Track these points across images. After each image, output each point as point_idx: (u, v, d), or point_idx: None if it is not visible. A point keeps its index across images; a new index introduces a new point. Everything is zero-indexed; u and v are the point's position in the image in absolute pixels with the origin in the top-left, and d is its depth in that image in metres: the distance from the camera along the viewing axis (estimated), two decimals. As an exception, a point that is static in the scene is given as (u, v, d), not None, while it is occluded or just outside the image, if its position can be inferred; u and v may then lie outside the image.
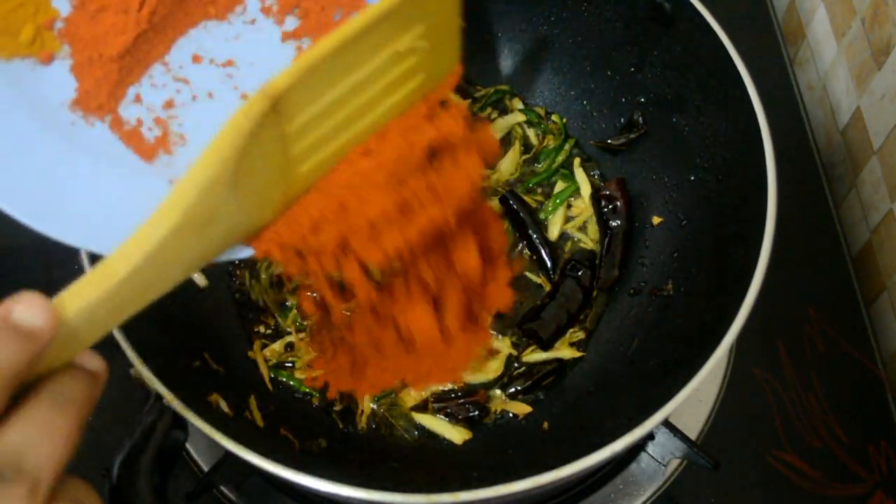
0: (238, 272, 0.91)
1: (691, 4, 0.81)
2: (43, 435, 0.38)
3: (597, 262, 0.91)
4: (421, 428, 0.83)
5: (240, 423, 0.74)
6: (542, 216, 0.94)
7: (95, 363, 0.43)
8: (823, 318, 0.95)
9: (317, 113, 0.55)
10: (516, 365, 0.86)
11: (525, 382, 0.85)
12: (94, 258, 0.67)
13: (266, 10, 0.63)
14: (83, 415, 0.41)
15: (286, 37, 0.63)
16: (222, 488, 0.82)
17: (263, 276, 0.91)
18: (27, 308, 0.38)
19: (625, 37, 0.90)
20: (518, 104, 1.01)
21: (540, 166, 0.98)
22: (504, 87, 1.02)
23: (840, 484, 0.86)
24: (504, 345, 0.87)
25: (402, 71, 0.60)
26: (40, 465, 0.38)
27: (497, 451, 0.80)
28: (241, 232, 0.54)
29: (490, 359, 0.87)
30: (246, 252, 0.56)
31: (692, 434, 0.86)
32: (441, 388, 0.85)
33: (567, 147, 0.98)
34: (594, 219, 0.93)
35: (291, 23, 0.63)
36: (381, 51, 0.57)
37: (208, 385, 0.74)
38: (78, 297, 0.42)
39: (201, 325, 0.84)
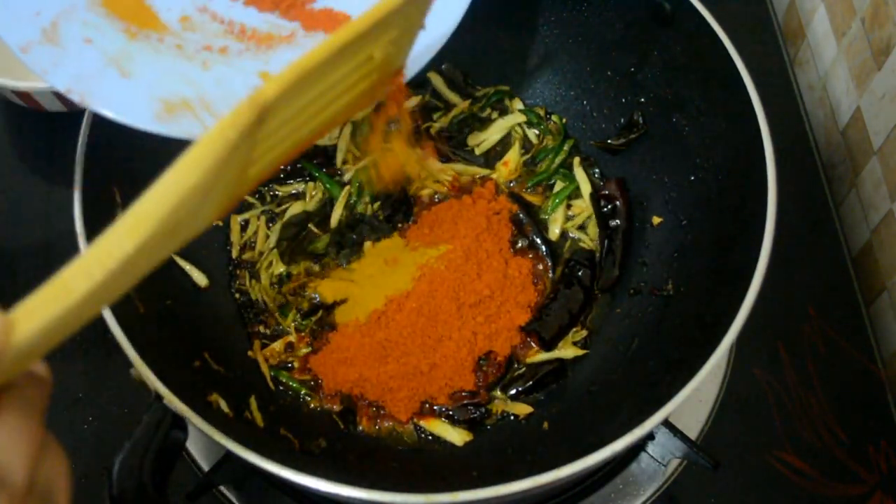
0: (238, 272, 0.91)
1: (691, 4, 0.81)
2: (19, 443, 0.39)
3: (597, 261, 0.91)
4: (421, 429, 0.83)
5: (240, 423, 0.74)
6: (542, 216, 0.95)
7: (42, 368, 0.43)
8: (823, 318, 0.95)
9: (286, 116, 0.53)
10: (517, 366, 0.86)
11: (526, 383, 0.85)
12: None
13: None
14: (43, 415, 0.42)
15: None
16: (222, 488, 0.82)
17: (263, 276, 0.91)
18: None
19: (625, 37, 0.90)
20: (518, 104, 1.01)
21: (539, 166, 0.98)
22: (504, 88, 1.02)
23: (840, 484, 0.86)
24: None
25: (364, 71, 0.59)
26: (20, 472, 0.39)
27: (497, 451, 0.80)
28: (190, 236, 0.50)
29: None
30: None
31: (692, 434, 0.86)
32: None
33: (566, 147, 0.98)
34: (594, 218, 0.93)
35: None
36: (358, 54, 0.56)
37: (208, 385, 0.74)
38: (35, 315, 0.39)
39: (201, 325, 0.84)
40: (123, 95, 0.63)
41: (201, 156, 0.45)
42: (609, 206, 0.92)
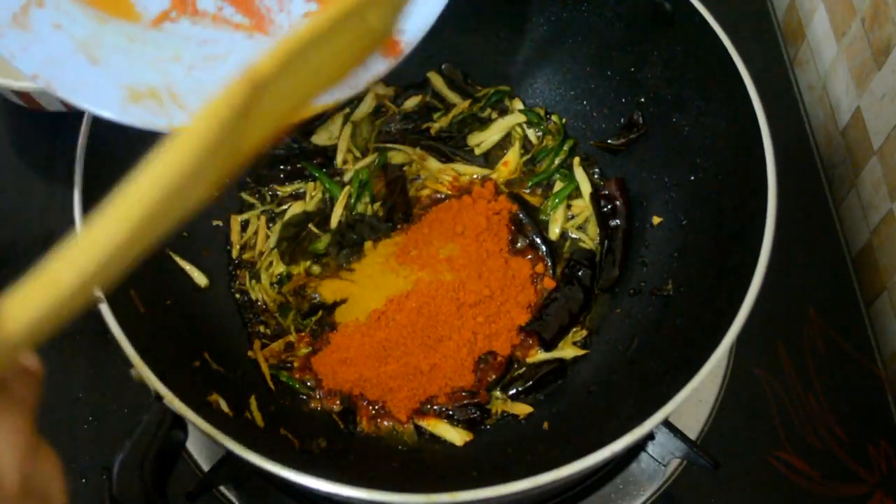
0: (238, 272, 0.91)
1: (691, 4, 0.81)
2: (11, 443, 0.39)
3: (597, 261, 0.91)
4: (421, 429, 0.83)
5: (240, 423, 0.74)
6: (541, 216, 0.95)
7: (33, 362, 0.42)
8: (823, 318, 0.95)
9: (280, 90, 0.51)
10: (517, 366, 0.86)
11: (526, 383, 0.85)
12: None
13: None
14: (34, 413, 0.41)
15: None
16: (222, 488, 0.82)
17: (264, 276, 0.91)
18: None
19: (625, 37, 0.90)
20: (518, 104, 1.01)
21: (539, 166, 0.98)
22: (504, 88, 1.02)
23: (840, 484, 0.86)
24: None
25: (356, 39, 0.58)
26: (12, 473, 0.38)
27: (497, 451, 0.80)
28: (183, 216, 0.47)
29: None
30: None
31: (692, 434, 0.86)
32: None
33: (566, 147, 0.98)
34: (594, 218, 0.93)
35: None
36: (351, 26, 0.55)
37: (208, 385, 0.74)
38: (23, 306, 0.38)
39: (201, 325, 0.84)
40: (91, 83, 0.62)
41: (192, 137, 0.43)
42: (609, 206, 0.92)
